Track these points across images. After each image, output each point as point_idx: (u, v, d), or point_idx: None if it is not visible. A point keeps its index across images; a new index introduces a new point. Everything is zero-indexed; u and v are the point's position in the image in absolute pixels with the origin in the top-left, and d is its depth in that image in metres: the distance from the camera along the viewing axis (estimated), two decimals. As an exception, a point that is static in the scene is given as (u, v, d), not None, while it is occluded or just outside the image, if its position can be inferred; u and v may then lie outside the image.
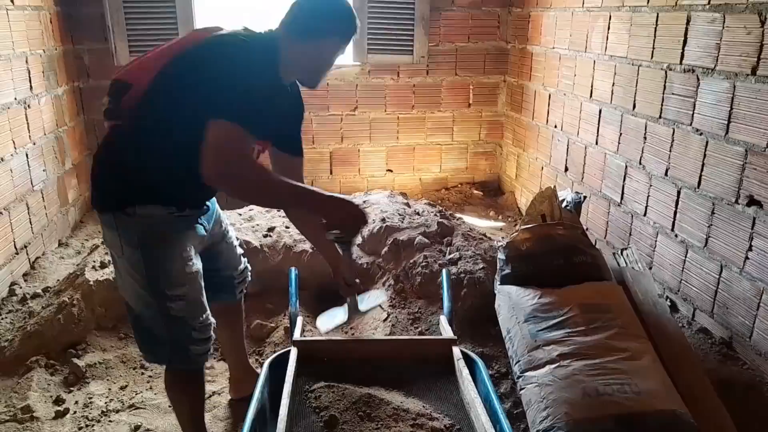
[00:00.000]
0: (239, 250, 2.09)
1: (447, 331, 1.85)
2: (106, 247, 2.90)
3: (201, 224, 1.79)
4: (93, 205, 1.70)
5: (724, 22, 2.30)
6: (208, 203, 1.84)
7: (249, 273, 2.14)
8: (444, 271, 2.16)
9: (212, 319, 1.80)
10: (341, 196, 1.60)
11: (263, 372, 1.65)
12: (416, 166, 4.62)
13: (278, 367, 1.67)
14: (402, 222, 2.99)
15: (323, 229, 1.63)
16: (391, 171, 4.58)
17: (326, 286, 2.57)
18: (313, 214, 1.63)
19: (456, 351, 1.70)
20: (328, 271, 2.00)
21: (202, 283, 1.77)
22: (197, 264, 1.74)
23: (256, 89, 1.49)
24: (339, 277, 1.90)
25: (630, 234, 2.97)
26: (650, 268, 2.82)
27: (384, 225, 2.94)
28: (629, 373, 1.89)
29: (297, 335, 1.80)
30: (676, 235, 2.64)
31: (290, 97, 1.81)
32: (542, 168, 3.97)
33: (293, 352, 1.68)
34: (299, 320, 1.90)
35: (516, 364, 2.06)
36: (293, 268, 2.13)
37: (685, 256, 2.59)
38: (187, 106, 1.50)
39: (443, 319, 1.93)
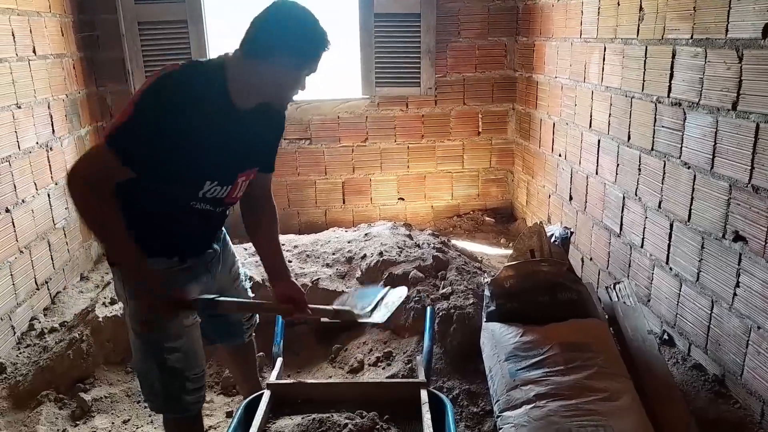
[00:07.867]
0: (250, 294, 2.08)
1: (420, 373, 1.89)
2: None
3: (209, 271, 1.80)
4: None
5: (706, 57, 2.30)
6: (215, 247, 1.82)
7: (257, 317, 2.15)
8: (428, 309, 2.20)
9: (205, 369, 1.84)
10: (145, 282, 1.55)
11: (237, 414, 1.72)
12: (428, 194, 4.67)
13: (253, 409, 1.74)
14: (399, 255, 3.04)
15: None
16: (402, 199, 4.64)
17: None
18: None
19: (423, 395, 1.74)
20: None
21: (199, 333, 1.80)
22: (196, 315, 1.76)
23: (170, 128, 1.45)
24: (281, 296, 1.81)
25: (629, 265, 2.95)
26: (648, 301, 2.79)
27: (381, 259, 3.00)
28: (606, 414, 1.89)
29: (272, 378, 1.87)
30: (670, 269, 2.62)
31: (259, 120, 1.66)
32: (549, 196, 3.97)
33: (266, 395, 1.75)
34: (279, 362, 1.97)
35: (496, 403, 2.08)
36: (281, 307, 2.21)
37: (680, 290, 2.56)
38: None
39: (419, 360, 1.97)
